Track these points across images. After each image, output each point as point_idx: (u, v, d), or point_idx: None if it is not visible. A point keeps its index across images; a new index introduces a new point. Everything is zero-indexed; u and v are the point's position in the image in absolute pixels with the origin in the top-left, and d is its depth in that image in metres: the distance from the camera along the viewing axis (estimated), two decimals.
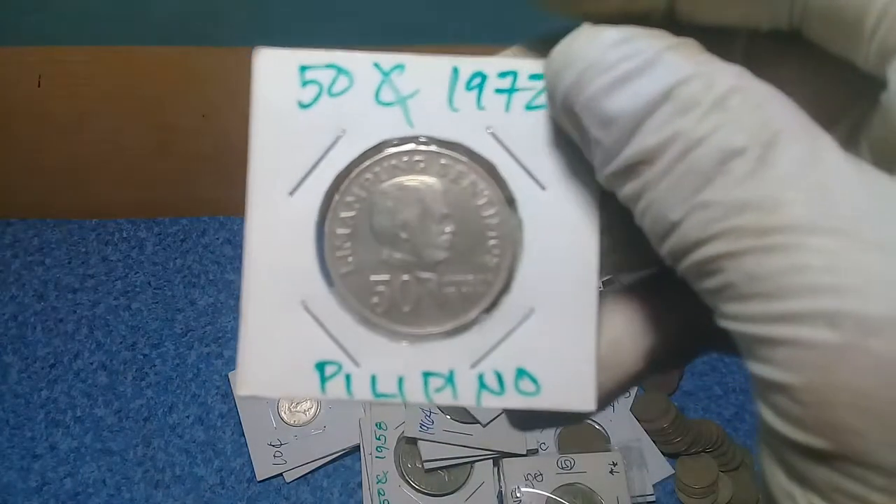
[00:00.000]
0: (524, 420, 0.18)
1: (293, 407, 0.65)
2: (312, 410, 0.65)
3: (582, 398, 0.16)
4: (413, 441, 0.62)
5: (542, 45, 0.17)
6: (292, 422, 0.65)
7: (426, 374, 0.16)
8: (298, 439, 0.64)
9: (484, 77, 0.16)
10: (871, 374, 0.11)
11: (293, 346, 0.16)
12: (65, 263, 0.74)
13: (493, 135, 0.16)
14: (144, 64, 0.65)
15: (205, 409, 0.67)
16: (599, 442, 0.65)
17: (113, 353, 0.69)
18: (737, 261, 0.13)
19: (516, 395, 0.16)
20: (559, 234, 0.16)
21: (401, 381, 0.16)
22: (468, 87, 0.16)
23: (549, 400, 0.16)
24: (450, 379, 0.16)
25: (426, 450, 0.61)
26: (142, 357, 0.69)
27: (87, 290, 0.72)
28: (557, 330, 0.16)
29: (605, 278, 0.17)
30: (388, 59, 0.16)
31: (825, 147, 0.13)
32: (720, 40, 0.15)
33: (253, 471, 0.63)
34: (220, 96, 0.67)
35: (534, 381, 0.16)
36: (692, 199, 0.13)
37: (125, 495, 0.62)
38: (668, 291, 0.17)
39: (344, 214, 0.16)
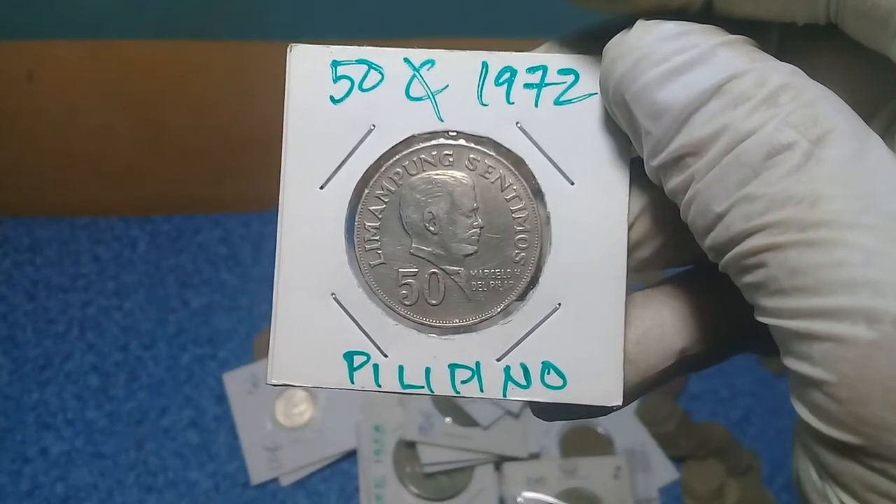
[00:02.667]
0: (549, 411, 0.18)
1: (289, 409, 0.64)
2: (308, 413, 0.64)
3: (608, 393, 0.16)
4: (412, 445, 0.61)
5: (572, 41, 0.17)
6: (288, 425, 0.64)
7: (453, 367, 0.17)
8: (294, 442, 0.63)
9: (513, 72, 0.17)
10: None
11: (323, 336, 0.17)
12: (56, 262, 0.73)
13: (522, 129, 0.17)
14: (137, 59, 0.65)
15: (198, 411, 0.66)
16: (603, 446, 0.64)
17: (105, 355, 0.68)
18: (778, 254, 0.13)
19: (542, 388, 0.17)
20: (587, 228, 0.17)
21: (428, 372, 0.17)
22: (497, 82, 0.17)
23: (575, 394, 0.16)
24: (476, 371, 0.17)
25: (425, 453, 0.61)
26: (134, 358, 0.68)
27: (79, 290, 0.72)
28: (584, 324, 0.17)
29: (639, 273, 0.18)
30: (418, 54, 0.17)
31: (873, 146, 0.13)
32: (755, 33, 0.15)
33: (248, 475, 0.62)
34: (214, 91, 0.67)
35: (560, 375, 0.17)
36: (738, 192, 0.13)
37: (117, 499, 0.62)
38: (703, 289, 0.17)
39: (374, 208, 0.17)
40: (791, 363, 0.13)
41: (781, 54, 0.16)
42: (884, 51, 0.14)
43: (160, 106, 0.68)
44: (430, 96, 0.17)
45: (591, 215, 0.17)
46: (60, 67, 0.65)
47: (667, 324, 0.17)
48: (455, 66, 0.17)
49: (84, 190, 0.74)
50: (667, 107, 0.14)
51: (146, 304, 0.71)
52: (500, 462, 0.62)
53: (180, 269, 0.73)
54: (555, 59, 0.17)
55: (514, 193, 0.17)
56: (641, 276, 0.19)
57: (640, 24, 0.15)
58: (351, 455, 0.64)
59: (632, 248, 0.17)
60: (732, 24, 0.15)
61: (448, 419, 0.62)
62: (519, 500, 0.59)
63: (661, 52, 0.14)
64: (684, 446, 0.64)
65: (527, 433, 0.63)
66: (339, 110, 0.17)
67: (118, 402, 0.66)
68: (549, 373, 0.17)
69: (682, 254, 0.17)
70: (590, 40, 0.16)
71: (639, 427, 0.65)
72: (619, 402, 0.16)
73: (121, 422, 0.65)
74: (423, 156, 0.17)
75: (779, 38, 0.16)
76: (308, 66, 0.17)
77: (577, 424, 0.65)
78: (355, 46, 0.17)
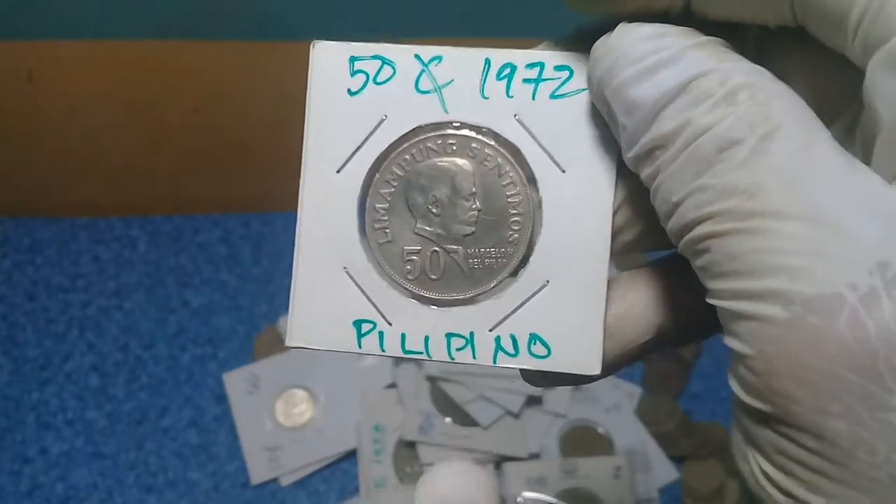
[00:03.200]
0: (536, 378, 0.19)
1: (289, 409, 0.64)
2: (308, 413, 0.64)
3: (588, 363, 0.18)
4: (412, 444, 0.61)
5: (568, 40, 0.18)
6: (288, 424, 0.64)
7: (449, 335, 0.18)
8: (294, 442, 0.63)
9: (513, 68, 0.18)
10: (808, 348, 0.13)
11: (335, 305, 0.19)
12: (56, 262, 0.73)
13: (520, 121, 0.18)
14: (137, 59, 0.65)
15: (198, 411, 0.66)
16: (603, 446, 0.64)
17: (105, 355, 0.68)
18: (720, 241, 0.14)
19: (529, 357, 0.18)
20: (575, 213, 0.18)
21: (427, 339, 0.18)
22: (498, 77, 0.18)
23: (558, 363, 0.18)
24: (470, 340, 0.18)
25: (425, 453, 0.61)
26: (134, 358, 0.68)
27: (79, 290, 0.71)
28: (569, 300, 0.18)
29: (624, 255, 0.19)
30: (427, 50, 0.18)
31: (818, 142, 0.14)
32: (734, 36, 0.16)
33: (247, 475, 0.62)
34: (215, 92, 0.67)
35: (545, 345, 0.18)
36: (692, 183, 0.14)
37: (117, 499, 0.62)
38: (680, 273, 0.18)
39: (383, 191, 0.19)
40: (727, 341, 0.15)
41: (759, 56, 0.17)
42: (842, 51, 0.15)
43: (160, 106, 0.68)
44: (437, 90, 0.18)
45: (580, 201, 0.18)
46: (60, 67, 0.65)
47: (646, 302, 0.18)
48: (460, 62, 0.18)
49: (84, 190, 0.74)
50: (639, 103, 0.15)
51: (146, 304, 0.71)
52: (500, 462, 0.61)
53: (180, 269, 0.73)
54: (551, 56, 0.18)
55: (509, 180, 0.18)
56: (626, 260, 0.20)
57: (622, 27, 0.16)
58: (351, 455, 0.64)
59: (616, 232, 0.18)
60: (713, 28, 0.16)
61: (448, 419, 0.62)
62: (519, 499, 0.59)
63: (637, 52, 0.15)
64: (684, 446, 0.64)
65: (527, 433, 0.63)
66: (355, 102, 0.18)
67: (118, 402, 0.66)
68: (535, 343, 0.18)
69: (661, 239, 0.18)
70: (584, 40, 0.17)
71: (639, 427, 0.65)
72: (598, 371, 0.18)
73: (121, 422, 0.65)
74: (429, 144, 0.18)
75: (756, 41, 0.17)
76: (328, 60, 0.19)
77: (577, 424, 0.65)
78: (371, 43, 0.18)
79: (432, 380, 0.63)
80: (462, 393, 0.62)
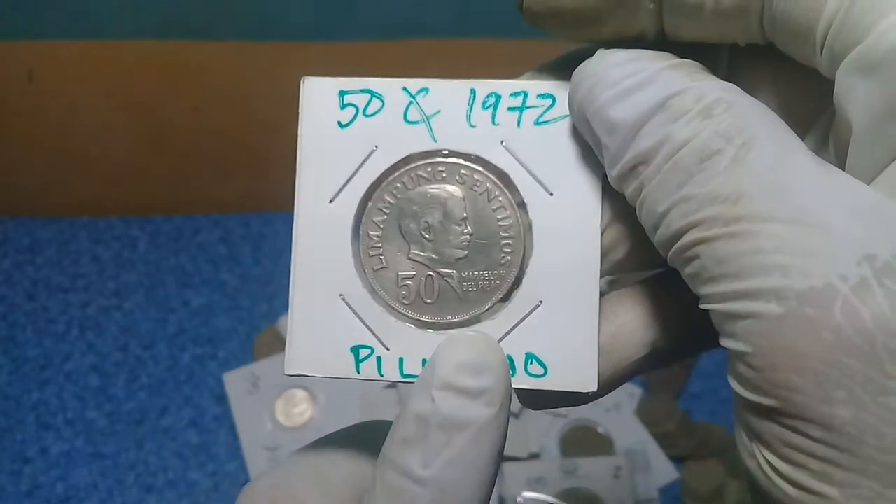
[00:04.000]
0: (533, 400, 0.19)
1: (288, 409, 0.64)
2: (308, 413, 0.64)
3: (584, 380, 0.18)
4: None
5: (551, 69, 0.19)
6: (288, 424, 0.64)
7: None
8: (294, 442, 0.63)
9: (498, 97, 0.19)
10: (806, 338, 0.13)
11: (332, 332, 0.19)
12: (56, 262, 0.73)
13: (506, 147, 0.19)
14: (137, 59, 0.65)
15: (198, 411, 0.66)
16: (603, 446, 0.64)
17: (105, 355, 0.68)
18: (708, 247, 0.15)
19: (526, 377, 0.18)
20: (564, 234, 0.19)
21: (424, 363, 0.19)
22: (484, 106, 0.19)
23: (555, 382, 0.18)
24: None
25: None
26: (134, 358, 0.68)
27: (79, 290, 0.72)
28: (563, 319, 0.18)
29: (612, 277, 0.20)
30: (414, 83, 0.19)
31: (794, 150, 0.15)
32: (707, 56, 0.17)
33: (247, 474, 0.62)
34: (214, 92, 0.67)
35: (542, 364, 0.18)
36: (676, 194, 0.15)
37: (117, 499, 0.62)
38: (671, 290, 0.19)
39: (376, 218, 0.19)
40: (724, 342, 0.15)
41: (731, 73, 0.18)
42: (811, 64, 0.16)
43: (160, 106, 0.68)
44: (426, 120, 0.19)
45: (568, 222, 0.19)
46: (60, 67, 0.65)
47: (639, 319, 0.19)
48: (446, 93, 0.19)
49: (84, 190, 0.74)
50: (619, 123, 0.16)
51: (146, 304, 0.71)
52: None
53: (180, 269, 0.73)
54: (534, 86, 0.19)
55: (499, 204, 0.19)
56: (617, 280, 0.21)
57: (599, 53, 0.17)
58: None
59: (606, 252, 0.19)
60: (686, 49, 0.17)
61: None
62: (519, 499, 0.59)
63: (614, 75, 0.16)
64: (684, 446, 0.64)
65: (527, 433, 0.63)
66: (345, 134, 0.19)
67: (118, 402, 0.66)
68: (531, 363, 0.18)
69: (651, 257, 0.18)
70: (564, 68, 0.18)
71: (639, 427, 0.65)
72: (595, 389, 0.18)
73: (121, 422, 0.65)
74: (419, 172, 0.19)
75: (728, 59, 0.18)
76: (318, 95, 0.19)
77: (577, 424, 0.65)
78: (360, 78, 0.19)
79: None
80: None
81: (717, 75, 0.16)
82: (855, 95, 0.15)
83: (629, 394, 0.67)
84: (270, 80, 0.66)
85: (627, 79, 0.16)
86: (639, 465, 0.63)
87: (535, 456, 0.63)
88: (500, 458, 0.17)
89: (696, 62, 0.16)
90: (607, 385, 0.19)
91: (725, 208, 0.14)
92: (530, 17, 0.17)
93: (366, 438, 0.19)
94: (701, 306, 0.15)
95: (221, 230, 0.75)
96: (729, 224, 0.14)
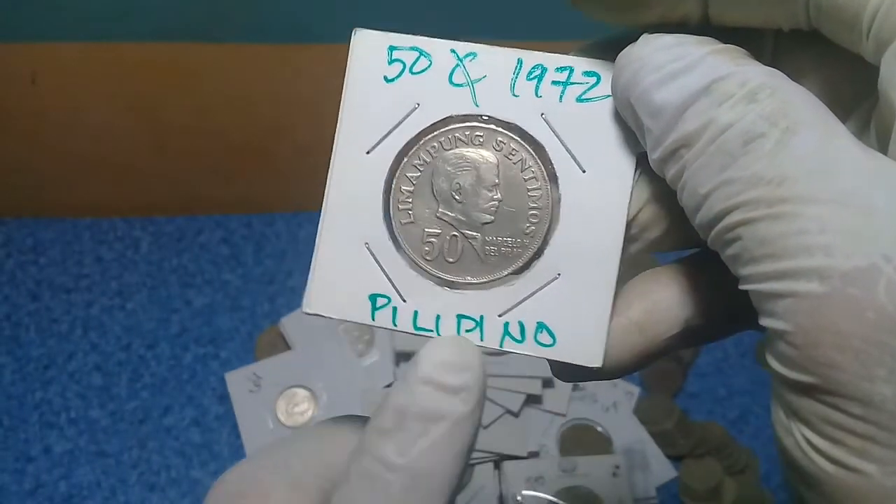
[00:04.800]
0: (564, 372, 0.20)
1: (290, 408, 0.65)
2: (310, 412, 0.65)
3: (591, 354, 0.19)
4: None
5: (598, 47, 0.19)
6: (289, 423, 0.64)
7: (460, 316, 0.19)
8: None
9: (543, 69, 0.19)
10: (849, 317, 0.14)
11: (354, 278, 0.19)
12: (59, 263, 0.73)
13: (546, 120, 0.19)
14: (140, 61, 0.65)
15: (201, 410, 0.66)
16: (602, 444, 0.64)
17: (108, 354, 0.69)
18: (750, 228, 0.15)
19: (534, 345, 0.19)
20: (592, 211, 0.19)
21: (438, 318, 0.19)
22: (529, 77, 0.19)
23: (561, 353, 0.19)
24: (479, 323, 0.19)
25: None
26: (137, 358, 0.69)
27: (82, 290, 0.72)
28: (578, 294, 0.19)
29: (652, 250, 0.20)
30: (463, 46, 0.19)
31: (837, 134, 0.15)
32: (753, 40, 0.18)
33: None
34: (217, 93, 0.67)
35: (551, 334, 0.19)
36: (719, 176, 0.15)
37: (120, 498, 0.62)
38: (706, 269, 0.19)
39: (410, 174, 0.19)
40: (764, 321, 0.15)
41: (774, 59, 0.18)
42: (856, 50, 0.16)
43: (163, 108, 0.68)
44: (470, 84, 0.19)
45: (597, 200, 0.19)
46: (63, 69, 0.65)
47: (673, 297, 0.19)
48: (493, 60, 0.19)
49: (87, 191, 0.74)
50: (663, 106, 0.16)
51: (149, 304, 0.71)
52: (499, 460, 0.62)
53: (182, 270, 0.73)
54: (581, 62, 0.19)
55: (531, 175, 0.19)
56: (639, 263, 0.21)
57: (644, 37, 0.17)
58: None
59: (642, 230, 0.19)
60: (730, 34, 0.17)
61: None
62: (518, 498, 0.60)
63: (659, 59, 0.16)
64: (682, 445, 0.64)
65: (526, 432, 0.63)
66: (390, 88, 0.19)
67: (121, 402, 0.66)
68: (542, 332, 0.19)
69: (686, 237, 0.19)
70: (609, 49, 0.19)
71: (637, 426, 0.65)
72: (600, 364, 0.19)
73: (124, 421, 0.65)
74: (457, 134, 0.19)
75: (773, 45, 0.18)
76: (368, 47, 0.20)
77: (576, 423, 0.65)
78: (410, 35, 0.20)
79: None
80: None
81: (761, 61, 0.17)
82: None
83: (627, 393, 0.67)
84: (272, 82, 0.66)
85: (672, 63, 0.16)
86: (637, 463, 0.63)
87: (534, 455, 0.63)
88: (470, 454, 0.17)
89: (740, 48, 0.17)
90: (641, 360, 0.19)
91: (769, 190, 0.15)
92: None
93: (334, 433, 0.19)
94: (741, 287, 0.16)
95: (223, 231, 0.75)
96: (772, 206, 0.15)
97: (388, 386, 0.65)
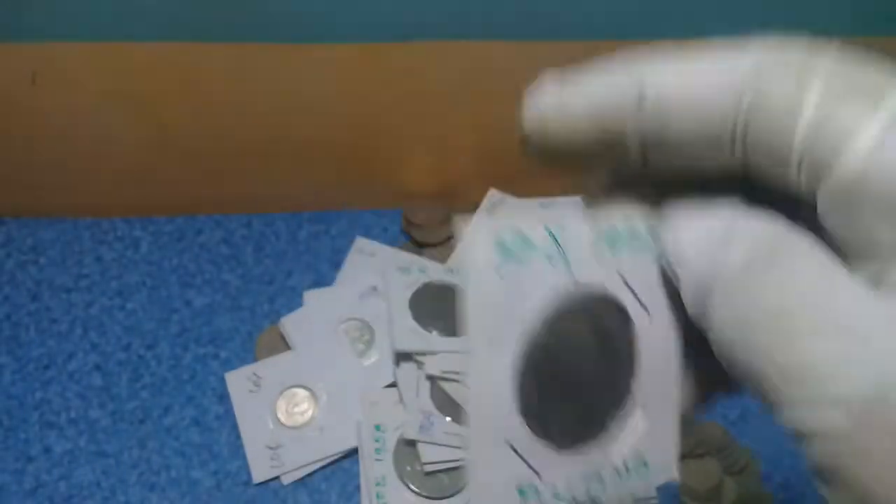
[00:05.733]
0: None
1: (290, 408, 0.65)
2: (310, 412, 0.65)
3: (672, 472, 0.23)
4: (412, 443, 0.61)
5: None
6: (289, 423, 0.64)
7: (584, 475, 0.21)
8: (296, 441, 0.64)
9: (616, 231, 0.21)
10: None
11: (504, 477, 0.20)
12: (59, 263, 0.73)
13: (621, 276, 0.21)
14: (140, 61, 0.65)
15: (201, 410, 0.66)
16: None
17: (108, 354, 0.69)
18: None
19: (635, 477, 0.22)
20: (657, 352, 0.21)
21: (563, 479, 0.21)
22: (604, 240, 0.21)
23: (654, 477, 0.22)
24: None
25: (426, 452, 0.61)
26: (137, 358, 0.69)
27: (82, 290, 0.72)
28: (655, 423, 0.22)
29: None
30: (553, 222, 0.20)
31: (834, 271, 0.17)
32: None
33: (249, 473, 0.63)
34: (217, 93, 0.67)
35: (646, 463, 0.22)
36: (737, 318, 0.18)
37: (120, 498, 0.62)
38: (696, 364, 0.22)
39: (529, 365, 0.20)
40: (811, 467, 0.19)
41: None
42: (792, 190, 0.17)
43: (163, 108, 0.68)
44: (564, 258, 0.20)
45: (659, 342, 0.21)
46: (64, 69, 0.65)
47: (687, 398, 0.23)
48: (578, 230, 0.20)
49: (87, 191, 0.74)
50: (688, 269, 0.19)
51: (149, 304, 0.71)
52: None
53: (183, 270, 0.73)
54: (640, 223, 0.21)
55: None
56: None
57: (682, 220, 0.20)
58: (352, 453, 0.64)
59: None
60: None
61: (448, 418, 0.62)
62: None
63: (692, 251, 0.19)
64: (682, 445, 0.64)
65: None
66: (504, 282, 0.19)
67: (121, 402, 0.66)
68: (641, 464, 0.22)
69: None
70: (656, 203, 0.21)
71: None
72: (678, 477, 0.22)
73: (123, 421, 0.65)
74: (560, 321, 0.20)
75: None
76: (478, 243, 0.19)
77: None
78: (511, 221, 0.19)
79: (433, 379, 0.63)
80: (462, 392, 0.62)
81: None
82: (841, 232, 0.17)
83: None
84: (272, 82, 0.66)
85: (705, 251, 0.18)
86: None
87: None
88: None
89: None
90: None
91: (787, 322, 0.17)
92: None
93: None
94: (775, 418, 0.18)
95: (223, 231, 0.75)
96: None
97: (389, 386, 0.65)
